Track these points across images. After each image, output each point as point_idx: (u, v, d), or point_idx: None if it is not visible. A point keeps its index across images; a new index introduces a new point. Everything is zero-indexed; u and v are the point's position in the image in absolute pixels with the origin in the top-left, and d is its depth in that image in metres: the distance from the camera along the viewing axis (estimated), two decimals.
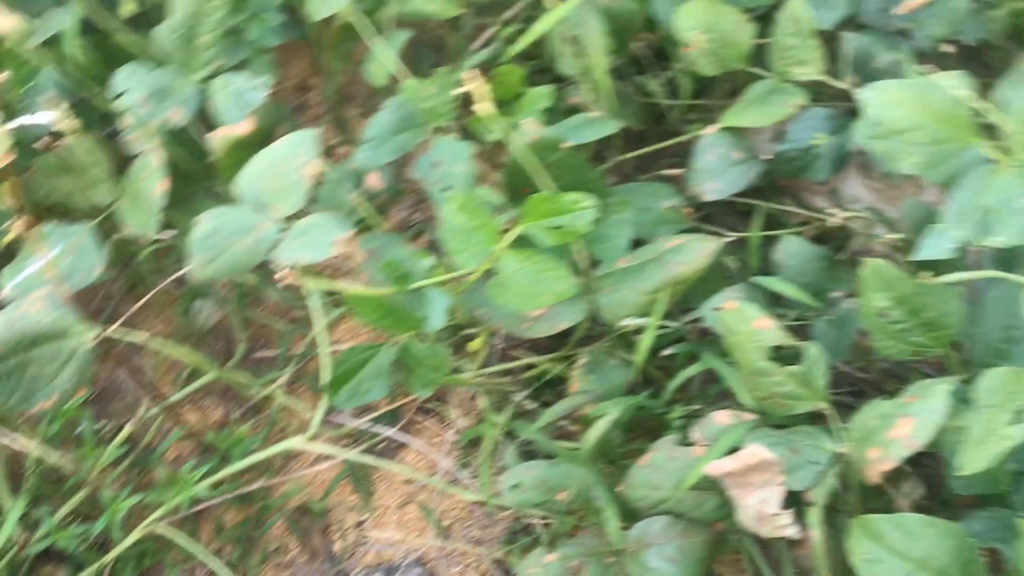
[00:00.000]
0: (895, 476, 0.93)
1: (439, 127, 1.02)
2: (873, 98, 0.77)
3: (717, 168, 1.08)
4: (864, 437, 0.81)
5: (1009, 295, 0.80)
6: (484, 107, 0.85)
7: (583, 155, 1.01)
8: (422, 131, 1.00)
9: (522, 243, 0.91)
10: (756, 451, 0.82)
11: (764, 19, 1.10)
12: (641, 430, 1.06)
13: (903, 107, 0.75)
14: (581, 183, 1.01)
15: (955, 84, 0.73)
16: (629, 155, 1.21)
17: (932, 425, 0.77)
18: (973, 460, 0.67)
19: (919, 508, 0.94)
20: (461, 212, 0.88)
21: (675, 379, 0.99)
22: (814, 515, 0.82)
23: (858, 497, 0.88)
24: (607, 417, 0.92)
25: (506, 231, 0.90)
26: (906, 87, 0.77)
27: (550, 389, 1.13)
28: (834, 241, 1.13)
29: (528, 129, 0.98)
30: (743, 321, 0.86)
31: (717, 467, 0.83)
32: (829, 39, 1.10)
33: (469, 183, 0.96)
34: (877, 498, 0.94)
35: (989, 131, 0.75)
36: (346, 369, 0.91)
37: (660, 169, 1.21)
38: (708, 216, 1.19)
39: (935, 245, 0.75)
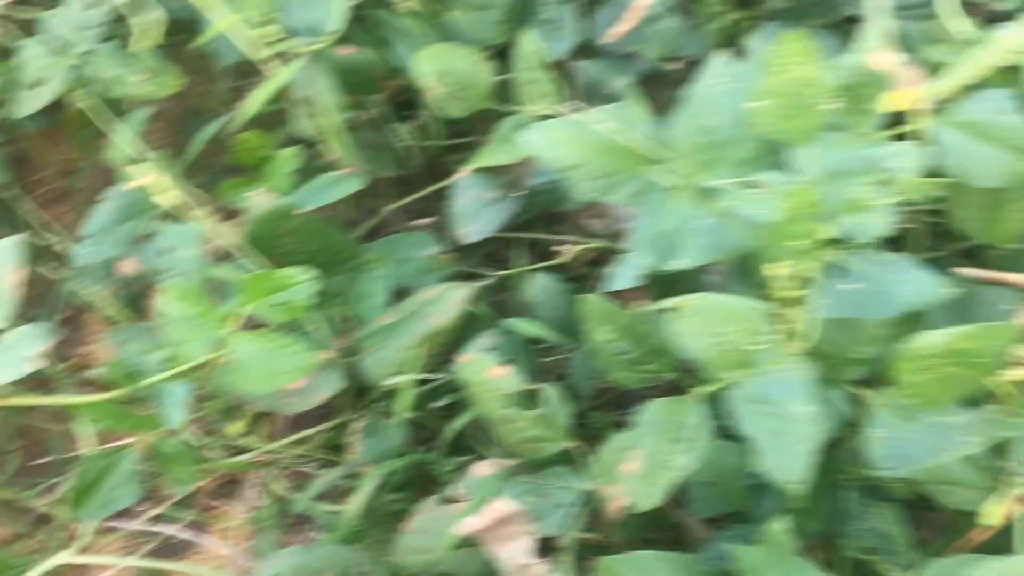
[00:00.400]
0: (681, 498, 0.93)
1: (171, 211, 0.98)
2: (535, 140, 0.77)
3: (473, 209, 1.07)
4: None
5: None
6: (166, 198, 0.82)
7: (322, 218, 1.00)
8: (150, 216, 0.97)
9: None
10: (501, 504, 0.81)
11: (503, 56, 1.11)
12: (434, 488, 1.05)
13: (566, 145, 0.75)
14: (327, 247, 1.00)
15: (604, 119, 0.74)
16: (399, 203, 1.20)
17: (698, 445, 0.76)
18: (644, 497, 0.67)
19: (712, 524, 0.95)
20: (181, 301, 0.85)
21: (446, 433, 0.98)
22: (563, 560, 0.81)
23: (632, 529, 0.88)
24: (367, 485, 0.90)
25: (235, 314, 0.87)
26: (564, 126, 0.77)
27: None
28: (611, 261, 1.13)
29: (259, 199, 0.96)
30: (479, 372, 0.85)
31: (467, 526, 0.82)
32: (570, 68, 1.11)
33: (201, 267, 0.93)
34: (662, 520, 0.95)
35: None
36: (90, 479, 0.87)
37: (440, 212, 1.20)
38: (491, 253, 1.18)
39: (624, 274, 0.75)
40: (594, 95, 1.07)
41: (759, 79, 0.66)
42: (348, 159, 1.07)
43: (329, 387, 0.96)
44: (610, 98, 1.07)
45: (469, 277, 1.11)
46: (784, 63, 0.64)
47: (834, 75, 0.66)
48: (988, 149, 0.69)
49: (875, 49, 0.66)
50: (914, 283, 0.63)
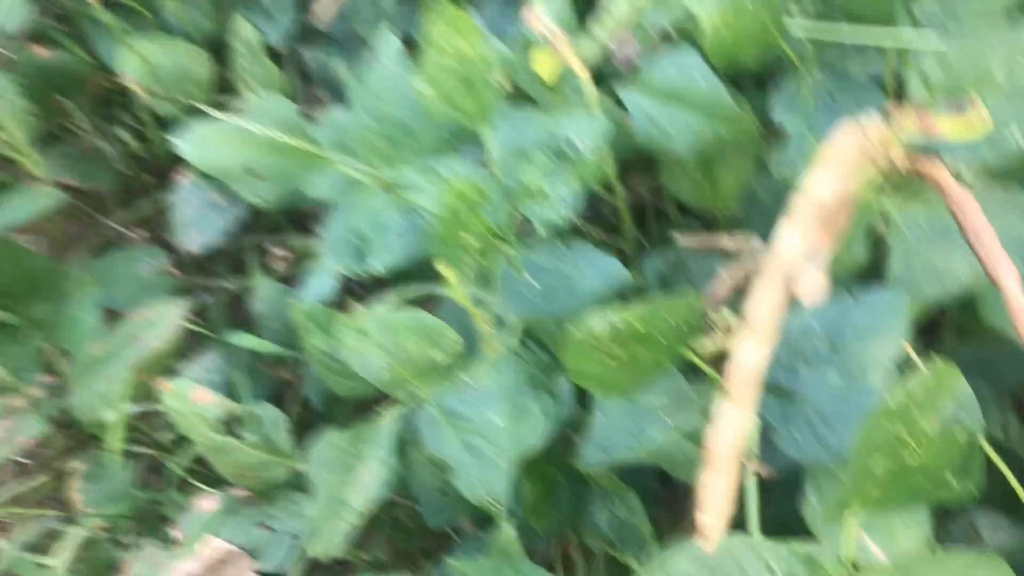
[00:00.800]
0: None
1: None
2: (189, 146, 0.68)
3: (198, 217, 0.97)
4: None
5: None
6: None
7: (15, 242, 0.88)
8: None
9: None
10: (215, 544, 0.72)
11: (220, 46, 1.01)
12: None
13: (226, 147, 0.67)
14: (23, 273, 0.88)
15: (268, 113, 0.67)
16: (129, 216, 1.09)
17: (384, 474, 0.70)
18: (324, 543, 0.61)
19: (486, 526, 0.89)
20: None
21: (174, 468, 0.88)
22: None
23: (401, 541, 0.82)
24: (74, 536, 0.79)
25: None
26: (220, 128, 0.69)
27: None
28: None
29: None
30: (182, 399, 0.76)
31: (181, 572, 0.73)
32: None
33: None
34: (426, 533, 0.89)
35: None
36: None
37: None
38: (241, 261, 1.09)
39: (319, 282, 0.67)
40: (321, 80, 1.00)
41: (423, 59, 0.60)
42: (46, 173, 0.95)
43: (30, 431, 0.85)
44: (336, 83, 1.00)
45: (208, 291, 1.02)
46: (444, 40, 0.58)
47: (502, 47, 0.61)
48: (681, 113, 0.66)
49: (534, 13, 0.61)
50: (597, 271, 0.58)
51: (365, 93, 0.66)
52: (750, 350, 0.37)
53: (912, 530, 0.63)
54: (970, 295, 0.67)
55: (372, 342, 0.59)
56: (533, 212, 0.59)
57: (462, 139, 0.65)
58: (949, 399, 0.47)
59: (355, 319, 0.59)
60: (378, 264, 0.65)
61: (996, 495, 0.68)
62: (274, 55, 0.99)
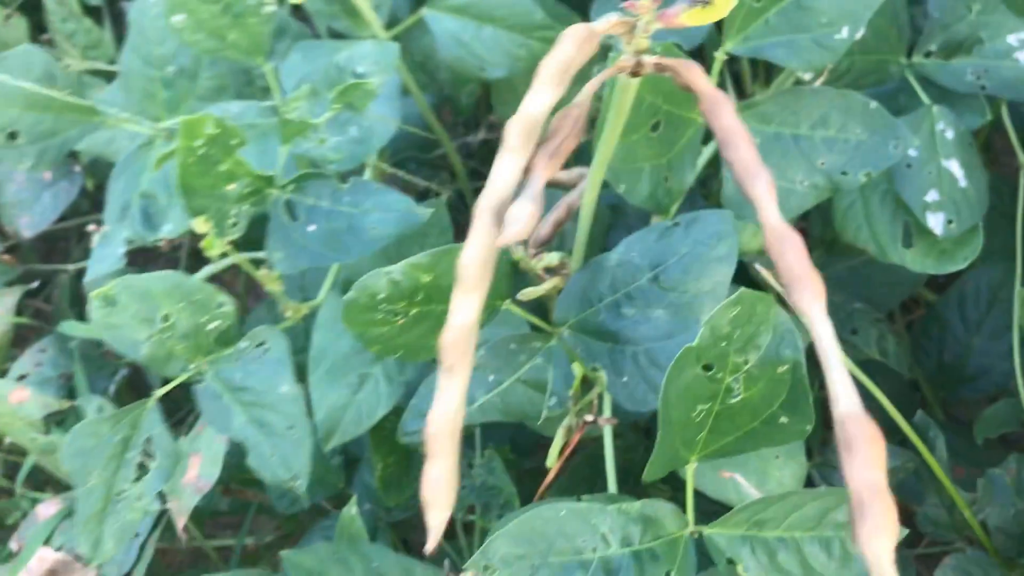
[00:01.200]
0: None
1: None
2: None
3: (29, 196, 0.89)
4: (171, 486, 0.67)
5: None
6: None
7: None
8: None
9: None
10: (43, 555, 0.66)
11: (37, 9, 0.92)
12: None
13: None
14: None
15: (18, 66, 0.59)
16: None
17: (219, 457, 0.64)
18: (93, 548, 0.55)
19: None
20: None
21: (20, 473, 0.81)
22: None
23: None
24: None
25: None
26: None
27: None
28: None
29: None
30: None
31: None
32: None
33: None
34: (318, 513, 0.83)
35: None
36: None
37: None
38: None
39: (107, 254, 0.60)
40: None
41: None
42: None
43: None
44: None
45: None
46: None
47: None
48: (490, 32, 0.59)
49: None
50: (382, 209, 0.51)
51: (138, 36, 0.58)
52: (460, 306, 0.31)
53: (786, 464, 0.59)
54: (827, 209, 0.62)
55: (127, 314, 0.52)
56: (308, 149, 0.52)
57: (245, 78, 0.58)
58: (765, 330, 0.42)
59: (101, 290, 0.52)
60: (173, 228, 0.58)
61: (875, 417, 0.64)
62: (92, 12, 0.91)
